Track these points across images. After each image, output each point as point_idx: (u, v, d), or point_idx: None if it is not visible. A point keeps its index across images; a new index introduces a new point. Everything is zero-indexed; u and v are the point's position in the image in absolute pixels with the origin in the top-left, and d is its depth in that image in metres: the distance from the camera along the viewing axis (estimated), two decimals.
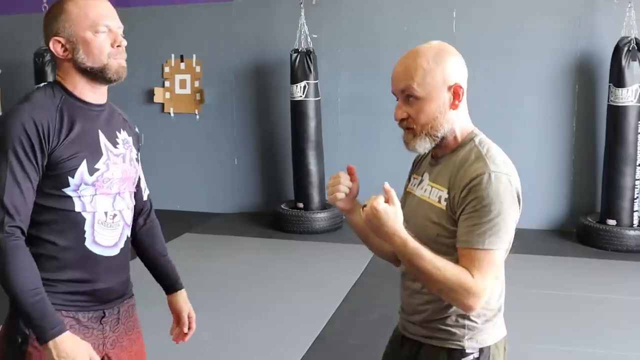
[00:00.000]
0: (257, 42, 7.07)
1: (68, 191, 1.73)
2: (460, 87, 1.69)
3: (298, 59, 6.35)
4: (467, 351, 1.70)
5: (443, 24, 6.43)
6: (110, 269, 1.84)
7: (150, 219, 2.11)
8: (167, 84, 7.48)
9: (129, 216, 1.91)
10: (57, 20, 1.74)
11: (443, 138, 1.71)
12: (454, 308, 1.68)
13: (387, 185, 1.59)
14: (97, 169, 1.77)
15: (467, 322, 1.70)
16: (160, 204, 7.60)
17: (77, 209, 1.75)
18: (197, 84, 7.38)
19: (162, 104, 7.51)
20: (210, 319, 4.15)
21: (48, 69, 7.08)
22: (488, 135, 1.74)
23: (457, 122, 1.72)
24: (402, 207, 1.67)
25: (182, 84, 7.43)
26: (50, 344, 1.64)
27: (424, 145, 1.71)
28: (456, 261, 1.60)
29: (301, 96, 6.38)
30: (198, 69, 7.35)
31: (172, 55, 7.44)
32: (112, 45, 1.76)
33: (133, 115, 7.63)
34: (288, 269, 5.41)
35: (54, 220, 1.74)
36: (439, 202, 1.69)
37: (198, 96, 7.35)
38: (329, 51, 6.83)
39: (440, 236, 1.67)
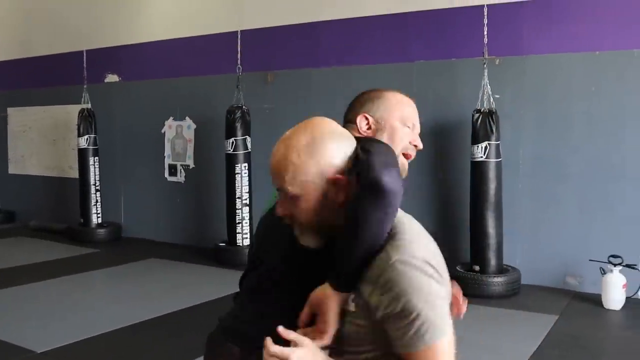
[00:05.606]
0: (438, 102, 7.07)
1: None
2: (341, 177, 1.44)
3: (480, 119, 6.28)
4: None
5: (636, 82, 6.09)
6: None
7: None
8: None
9: None
10: (374, 102, 1.86)
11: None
12: None
13: (281, 329, 1.35)
14: None
15: None
16: None
17: None
18: None
19: None
20: None
21: (238, 125, 7.56)
22: None
23: None
24: None
25: None
26: None
27: (313, 242, 1.52)
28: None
29: (482, 157, 6.28)
30: None
31: None
32: (410, 142, 1.86)
33: None
34: (460, 333, 5.22)
35: None
36: None
37: None
38: (512, 111, 6.69)
39: None
